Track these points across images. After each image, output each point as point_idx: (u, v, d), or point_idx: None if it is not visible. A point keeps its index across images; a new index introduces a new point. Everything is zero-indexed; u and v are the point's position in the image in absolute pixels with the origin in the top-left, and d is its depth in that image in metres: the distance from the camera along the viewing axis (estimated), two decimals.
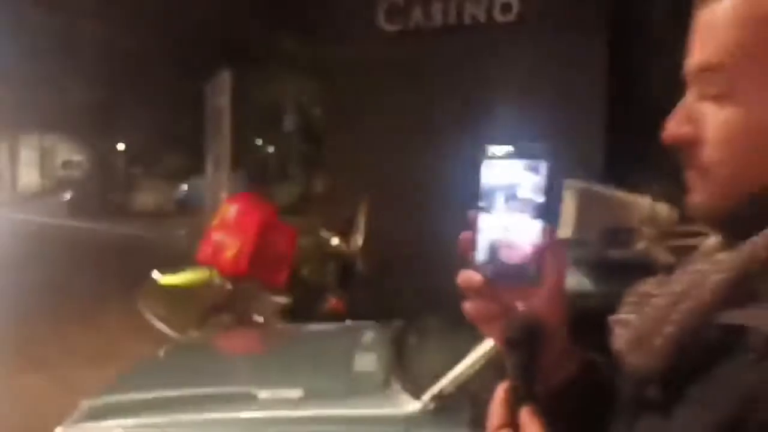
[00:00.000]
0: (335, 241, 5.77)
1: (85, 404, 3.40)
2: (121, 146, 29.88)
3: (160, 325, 8.36)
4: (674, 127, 0.76)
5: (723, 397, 0.66)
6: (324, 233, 5.98)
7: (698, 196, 0.77)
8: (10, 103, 24.51)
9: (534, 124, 5.47)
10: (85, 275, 11.41)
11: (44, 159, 37.45)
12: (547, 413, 0.79)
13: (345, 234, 5.83)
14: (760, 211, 0.71)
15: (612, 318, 0.85)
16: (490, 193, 0.82)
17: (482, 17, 6.00)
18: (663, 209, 3.10)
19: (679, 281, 0.75)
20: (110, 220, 21.27)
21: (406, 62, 6.31)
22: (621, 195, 3.09)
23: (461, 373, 2.88)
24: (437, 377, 2.96)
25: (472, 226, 0.82)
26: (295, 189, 21.31)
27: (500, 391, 0.81)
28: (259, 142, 31.50)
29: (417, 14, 6.28)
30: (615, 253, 2.95)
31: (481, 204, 0.82)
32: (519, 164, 0.81)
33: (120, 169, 28.07)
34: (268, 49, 14.96)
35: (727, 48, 0.72)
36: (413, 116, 6.22)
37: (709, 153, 0.74)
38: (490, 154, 0.82)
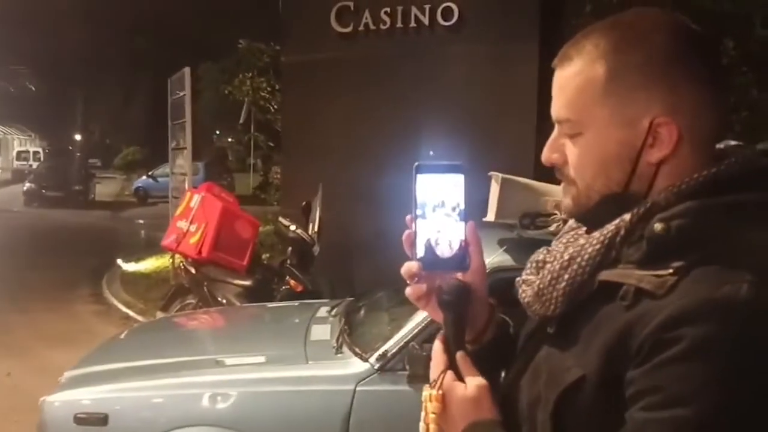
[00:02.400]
0: (293, 227, 5.89)
1: (66, 375, 3.59)
2: (78, 137, 29.30)
3: (126, 310, 8.58)
4: (548, 154, 1.02)
5: (606, 330, 0.90)
6: (283, 220, 6.10)
7: (567, 200, 1.02)
8: None
9: (471, 122, 5.79)
10: (47, 265, 11.35)
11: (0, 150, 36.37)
12: (479, 363, 1.03)
13: (302, 221, 5.96)
14: (607, 209, 0.96)
15: (517, 279, 1.09)
16: (423, 204, 1.01)
17: (426, 21, 6.19)
18: None
19: (566, 251, 0.99)
20: (69, 211, 20.76)
21: (355, 61, 6.49)
22: (537, 184, 3.32)
23: (401, 339, 3.16)
24: (381, 342, 3.22)
25: (410, 228, 1.02)
26: (255, 180, 21.29)
27: (438, 342, 1.05)
28: (217, 133, 31.24)
29: (366, 17, 6.43)
30: (532, 234, 3.18)
31: (417, 212, 1.01)
32: (443, 179, 1.01)
33: (78, 160, 27.52)
34: (226, 47, 15.00)
35: (568, 107, 0.98)
36: (362, 111, 6.38)
37: (571, 172, 1.00)
38: (420, 171, 1.01)
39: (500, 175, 3.39)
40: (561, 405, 0.93)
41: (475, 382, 1.00)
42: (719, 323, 0.81)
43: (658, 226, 0.89)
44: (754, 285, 0.82)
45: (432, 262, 1.02)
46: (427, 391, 1.01)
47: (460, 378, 1.01)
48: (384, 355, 3.16)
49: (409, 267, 1.03)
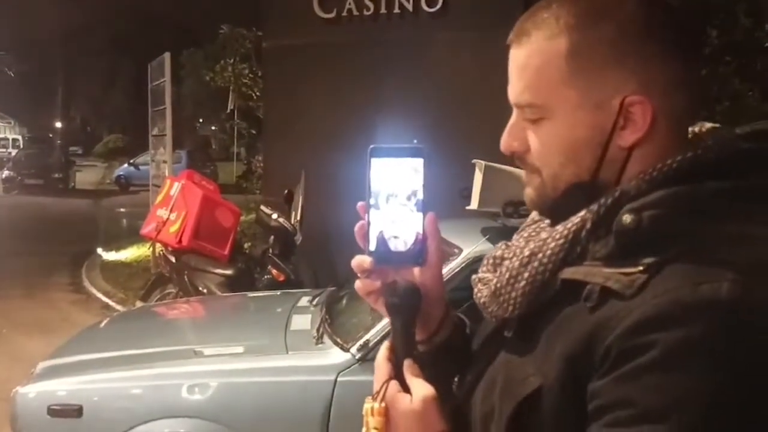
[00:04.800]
0: (275, 216, 5.84)
1: (40, 366, 3.52)
2: (58, 124, 29.04)
3: (106, 300, 8.49)
4: (507, 142, 0.93)
5: (569, 335, 0.81)
6: (264, 209, 6.04)
7: (530, 191, 0.94)
8: None
9: (455, 109, 5.74)
10: (25, 252, 11.26)
11: None
12: (431, 366, 0.95)
13: (285, 210, 5.91)
14: (575, 199, 0.88)
15: (473, 277, 1.00)
16: (377, 192, 0.92)
17: (410, 7, 6.15)
18: None
19: (526, 247, 0.90)
20: (49, 199, 20.58)
21: (338, 47, 6.42)
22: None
23: (382, 328, 3.11)
24: (363, 332, 3.19)
25: (363, 216, 0.94)
26: (239, 168, 21.18)
27: (383, 349, 0.95)
28: (200, 121, 31.02)
29: (349, 2, 6.37)
30: (516, 222, 3.10)
31: (370, 201, 0.92)
32: (401, 163, 0.92)
33: (58, 147, 27.29)
34: (210, 34, 14.85)
35: (530, 90, 0.89)
36: (345, 98, 6.31)
37: (535, 160, 0.91)
38: (375, 155, 0.92)
39: (483, 162, 3.37)
40: (516, 418, 0.85)
41: (421, 392, 0.90)
42: (697, 326, 0.72)
43: (627, 218, 0.80)
44: (737, 283, 0.74)
45: (385, 256, 0.93)
46: (368, 404, 0.92)
47: (405, 388, 0.91)
48: (365, 345, 3.13)
49: (360, 261, 0.95)
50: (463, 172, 3.72)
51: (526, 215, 3.32)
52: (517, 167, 0.97)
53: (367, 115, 5.99)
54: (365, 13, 6.37)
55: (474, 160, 3.46)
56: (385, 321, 3.12)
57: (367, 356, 3.11)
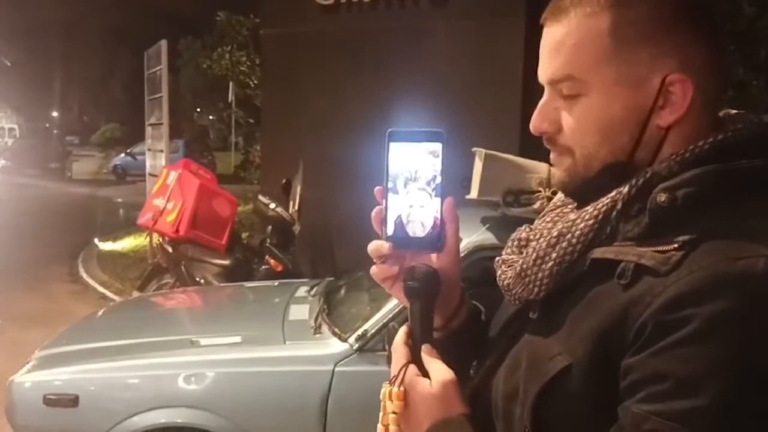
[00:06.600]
0: (273, 206, 5.81)
1: (36, 355, 3.53)
2: (55, 114, 28.93)
3: (102, 290, 8.46)
4: (537, 123, 0.92)
5: (599, 312, 0.80)
6: (262, 199, 6.00)
7: (560, 172, 0.92)
8: None
9: (455, 97, 5.70)
10: (22, 243, 11.20)
11: None
12: (447, 351, 0.95)
13: (282, 200, 5.88)
14: (607, 180, 0.87)
15: (497, 259, 0.99)
16: (396, 176, 0.92)
17: None
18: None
19: (554, 227, 0.90)
20: (46, 189, 20.52)
21: (337, 35, 6.35)
22: (522, 160, 3.24)
23: (380, 319, 3.12)
24: (361, 322, 3.19)
25: (380, 201, 0.93)
26: (237, 158, 21.10)
27: (401, 334, 0.96)
28: (198, 111, 30.90)
29: None
30: (516, 211, 3.11)
31: (388, 185, 0.92)
32: (419, 147, 0.91)
33: (55, 137, 27.20)
34: (207, 22, 14.75)
35: (568, 64, 0.87)
36: (344, 87, 6.26)
37: (567, 140, 0.90)
38: (394, 139, 0.91)
39: (484, 150, 3.33)
40: (543, 398, 0.83)
41: (440, 376, 0.90)
42: (735, 301, 0.71)
43: (662, 197, 0.81)
44: None
45: (402, 241, 0.92)
46: (386, 388, 0.92)
47: (423, 372, 0.92)
48: (363, 335, 3.13)
49: (378, 246, 0.94)
50: (462, 161, 3.68)
51: (527, 204, 3.24)
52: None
53: (365, 104, 5.95)
54: (364, 0, 6.29)
55: (474, 149, 3.42)
56: (384, 311, 3.16)
57: (365, 346, 3.11)
